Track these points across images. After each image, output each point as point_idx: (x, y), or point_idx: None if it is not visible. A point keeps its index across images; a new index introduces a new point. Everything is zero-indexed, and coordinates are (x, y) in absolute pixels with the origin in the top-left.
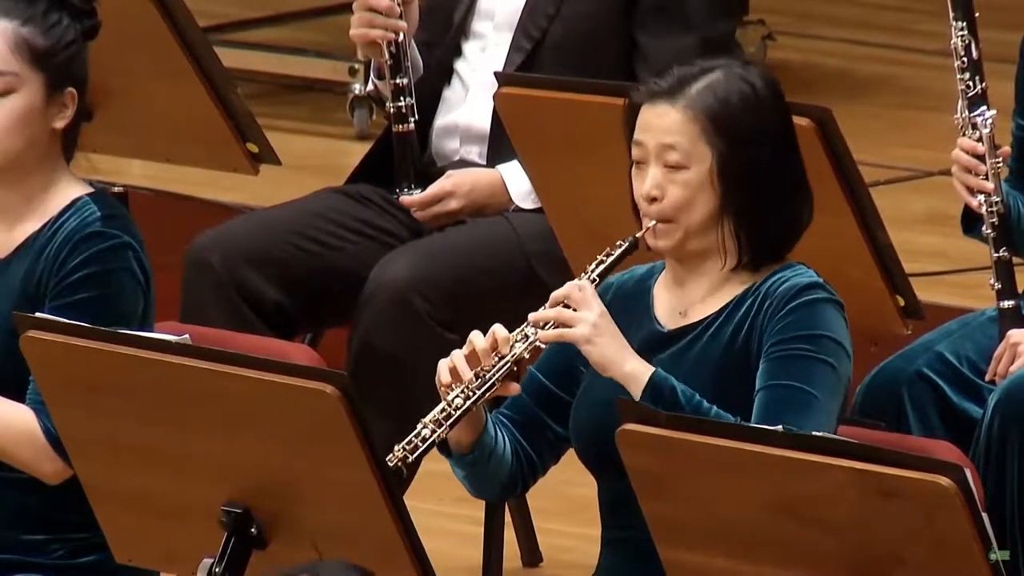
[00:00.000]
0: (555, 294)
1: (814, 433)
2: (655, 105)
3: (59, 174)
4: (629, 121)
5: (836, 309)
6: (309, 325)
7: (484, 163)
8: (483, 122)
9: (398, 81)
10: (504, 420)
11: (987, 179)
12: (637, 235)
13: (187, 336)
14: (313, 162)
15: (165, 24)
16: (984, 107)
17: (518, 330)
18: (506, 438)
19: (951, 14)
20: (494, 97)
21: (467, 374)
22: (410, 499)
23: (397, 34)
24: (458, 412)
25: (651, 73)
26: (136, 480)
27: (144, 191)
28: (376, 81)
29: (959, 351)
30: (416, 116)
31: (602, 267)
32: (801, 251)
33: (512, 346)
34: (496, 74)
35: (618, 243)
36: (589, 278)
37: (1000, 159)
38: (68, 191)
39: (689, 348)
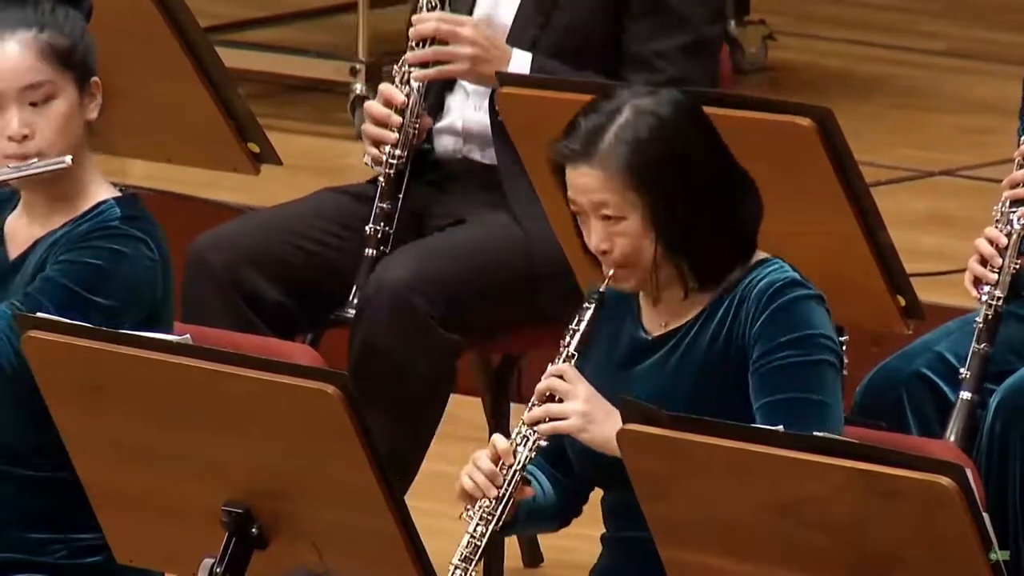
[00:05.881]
0: (539, 388)
1: (814, 433)
2: (576, 167)
3: (90, 174)
4: (558, 179)
5: (816, 303)
6: (310, 325)
7: (486, 162)
8: (484, 122)
9: (385, 206)
10: (538, 463)
11: (999, 273)
12: (600, 289)
13: (188, 336)
14: (313, 162)
15: (166, 24)
16: None
17: (515, 433)
18: (543, 483)
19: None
20: (495, 97)
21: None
22: (411, 499)
23: (404, 157)
24: (484, 541)
25: (643, 77)
26: (137, 480)
27: (145, 191)
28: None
29: (959, 351)
30: (389, 246)
31: (576, 339)
32: (802, 251)
33: (515, 452)
34: (497, 74)
35: (584, 306)
36: (566, 357)
37: (1020, 263)
38: (96, 193)
39: (670, 355)
